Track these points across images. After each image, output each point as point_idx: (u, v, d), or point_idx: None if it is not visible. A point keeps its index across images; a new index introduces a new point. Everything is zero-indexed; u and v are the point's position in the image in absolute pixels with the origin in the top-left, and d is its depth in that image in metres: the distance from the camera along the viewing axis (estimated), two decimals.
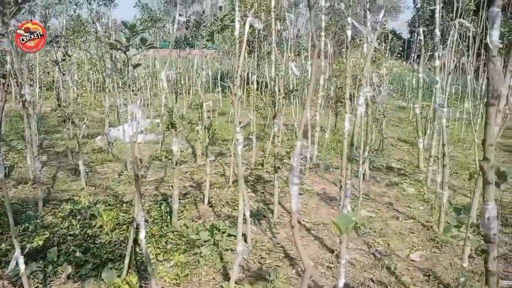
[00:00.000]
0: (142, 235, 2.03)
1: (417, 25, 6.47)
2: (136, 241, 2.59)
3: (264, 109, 8.89)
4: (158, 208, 3.83)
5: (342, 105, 7.72)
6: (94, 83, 11.86)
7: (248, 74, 10.47)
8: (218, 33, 2.95)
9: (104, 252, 3.01)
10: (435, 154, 4.85)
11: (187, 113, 9.22)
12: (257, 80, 9.13)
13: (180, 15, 2.86)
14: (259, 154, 6.15)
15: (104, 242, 3.13)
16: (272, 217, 3.83)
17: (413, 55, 11.11)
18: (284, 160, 5.88)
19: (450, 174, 5.28)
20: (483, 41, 8.75)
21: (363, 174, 4.87)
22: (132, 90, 4.12)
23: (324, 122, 7.73)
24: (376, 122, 6.01)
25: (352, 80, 9.09)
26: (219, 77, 10.83)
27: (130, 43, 1.92)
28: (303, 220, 3.86)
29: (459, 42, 6.52)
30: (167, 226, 3.47)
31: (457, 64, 10.34)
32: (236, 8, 2.46)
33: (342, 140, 6.57)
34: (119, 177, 4.86)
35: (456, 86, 9.96)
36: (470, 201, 2.33)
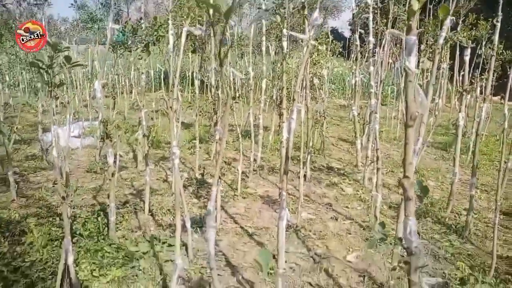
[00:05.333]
0: (70, 260, 1.95)
1: (355, 30, 6.69)
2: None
3: (208, 112, 8.85)
4: (95, 220, 3.68)
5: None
6: (28, 83, 11.18)
7: (192, 74, 10.35)
8: (154, 45, 2.88)
9: (35, 270, 2.85)
10: (371, 155, 5.07)
11: (129, 113, 8.95)
12: (201, 80, 9.05)
13: (115, 22, 2.75)
14: (203, 157, 6.10)
15: (35, 260, 2.97)
16: (215, 224, 3.82)
17: (352, 55, 11.51)
18: (231, 164, 5.90)
19: (386, 173, 5.54)
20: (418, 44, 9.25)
21: (304, 175, 4.99)
22: (62, 103, 3.92)
23: (268, 123, 7.83)
24: (317, 124, 6.17)
25: (295, 80, 9.27)
26: (162, 77, 10.61)
27: (53, 61, 1.82)
28: (246, 225, 3.89)
29: (392, 49, 6.86)
30: (103, 239, 3.35)
31: (393, 64, 10.86)
32: (170, 22, 2.41)
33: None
34: (53, 186, 4.62)
35: (392, 87, 10.47)
36: (397, 213, 2.46)
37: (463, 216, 4.10)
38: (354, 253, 3.36)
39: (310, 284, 2.92)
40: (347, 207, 4.37)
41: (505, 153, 3.35)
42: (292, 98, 9.22)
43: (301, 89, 3.82)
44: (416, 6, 1.31)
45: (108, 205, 3.60)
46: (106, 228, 3.49)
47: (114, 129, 3.16)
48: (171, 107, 2.38)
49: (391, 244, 2.41)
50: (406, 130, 1.64)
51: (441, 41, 2.48)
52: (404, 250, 1.71)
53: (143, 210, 4.04)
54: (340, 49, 12.73)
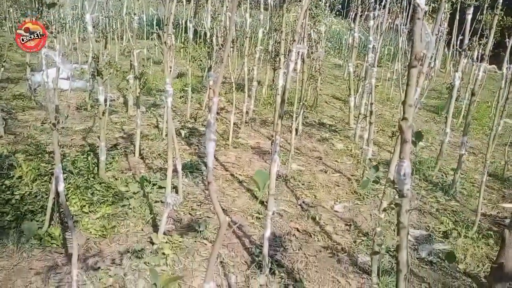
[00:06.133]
0: (60, 187, 1.93)
1: None
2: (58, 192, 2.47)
3: (201, 60, 8.66)
4: (85, 159, 3.66)
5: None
6: (15, 22, 10.74)
7: (186, 22, 10.04)
8: None
9: (24, 204, 2.85)
10: (364, 112, 5.06)
11: (119, 59, 8.73)
12: (195, 29, 8.79)
13: None
14: (195, 107, 6.04)
15: (24, 193, 2.96)
16: (206, 170, 3.83)
17: (351, 13, 11.25)
18: (222, 114, 5.86)
19: (377, 132, 5.57)
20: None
21: (296, 129, 4.99)
22: (51, 32, 3.77)
23: (262, 77, 7.73)
24: (312, 79, 6.10)
25: (292, 34, 9.08)
26: (155, 24, 10.28)
27: None
28: (236, 173, 3.91)
29: (394, 3, 6.70)
30: (93, 177, 3.34)
31: (392, 25, 10.66)
32: None
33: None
34: (42, 125, 4.55)
35: (389, 47, 10.33)
36: (390, 157, 2.47)
37: (450, 176, 4.17)
38: (341, 203, 3.42)
39: (297, 230, 2.98)
40: (336, 161, 4.41)
41: (497, 118, 3.38)
42: (288, 52, 9.07)
43: (302, 31, 3.72)
44: None
45: (98, 146, 3.58)
46: (96, 168, 3.48)
47: (105, 67, 3.07)
48: (165, 42, 2.30)
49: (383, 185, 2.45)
50: (409, 71, 1.61)
51: None
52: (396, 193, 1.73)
53: (134, 153, 4.02)
54: (339, 6, 12.41)
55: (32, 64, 5.84)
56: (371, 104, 3.78)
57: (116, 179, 3.44)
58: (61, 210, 2.72)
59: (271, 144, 3.12)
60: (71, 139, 4.33)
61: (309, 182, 3.78)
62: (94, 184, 3.24)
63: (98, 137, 4.12)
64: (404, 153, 1.67)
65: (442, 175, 4.23)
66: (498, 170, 4.44)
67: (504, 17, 6.14)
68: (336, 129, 5.56)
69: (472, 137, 5.82)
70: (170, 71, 2.55)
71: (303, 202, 3.40)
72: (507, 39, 5.34)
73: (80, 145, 4.16)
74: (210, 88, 3.97)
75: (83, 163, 3.59)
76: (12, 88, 6.02)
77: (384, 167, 4.31)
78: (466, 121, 3.63)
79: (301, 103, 5.05)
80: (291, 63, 2.33)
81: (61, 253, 2.48)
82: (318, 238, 2.88)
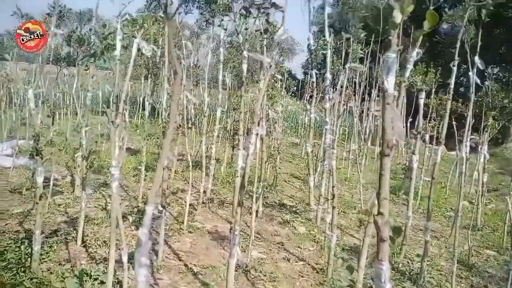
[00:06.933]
0: None
1: (310, 68, 6.76)
2: None
3: (157, 138, 8.46)
4: (17, 249, 3.19)
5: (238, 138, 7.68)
6: None
7: (144, 99, 9.98)
8: (102, 54, 2.61)
9: None
10: (325, 194, 4.95)
11: (71, 135, 8.36)
12: (153, 107, 8.71)
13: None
14: (148, 186, 5.70)
15: None
16: (156, 260, 3.44)
17: (306, 95, 11.71)
18: (177, 195, 5.55)
19: (338, 213, 5.42)
20: (367, 87, 9.57)
21: (256, 211, 4.76)
22: None
23: (221, 155, 7.59)
24: (271, 158, 6.02)
25: (250, 114, 9.19)
26: (111, 100, 10.16)
27: None
28: (191, 263, 3.55)
29: (347, 86, 6.98)
30: (24, 272, 2.88)
31: (345, 106, 11.12)
32: (118, 26, 2.18)
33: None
34: None
35: (343, 128, 10.67)
36: (360, 249, 2.28)
37: (416, 262, 4.01)
38: None
39: None
40: (299, 247, 4.16)
41: (458, 200, 3.34)
42: (246, 131, 9.11)
43: (261, 112, 3.66)
44: (398, 18, 1.17)
45: (34, 233, 3.15)
46: (29, 259, 3.02)
47: (46, 145, 2.78)
48: (112, 121, 2.10)
49: None
50: (382, 159, 1.47)
51: (407, 74, 2.41)
52: None
53: (76, 240, 3.59)
54: (294, 88, 12.96)
55: None
56: (333, 187, 3.65)
57: (51, 273, 2.99)
58: None
59: (230, 230, 2.86)
60: (6, 224, 3.85)
61: (271, 273, 3.47)
62: (24, 280, 2.77)
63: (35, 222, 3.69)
64: (382, 253, 1.47)
65: (408, 262, 4.06)
66: (463, 256, 4.33)
67: (454, 102, 6.53)
68: (297, 211, 5.37)
69: (432, 219, 5.79)
70: (119, 151, 2.32)
71: None
72: (453, 122, 5.60)
73: (15, 231, 3.68)
74: (164, 168, 3.72)
75: (13, 254, 3.12)
76: None
77: (348, 254, 4.10)
78: (428, 206, 3.55)
79: (261, 183, 4.88)
80: (251, 146, 2.17)
81: None
82: None
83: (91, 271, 3.04)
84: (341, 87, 5.45)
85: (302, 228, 4.72)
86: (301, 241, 4.31)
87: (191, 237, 4.12)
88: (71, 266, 3.14)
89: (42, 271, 2.97)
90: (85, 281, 2.91)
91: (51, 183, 4.40)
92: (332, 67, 6.34)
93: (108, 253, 3.48)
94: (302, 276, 3.48)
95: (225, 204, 5.34)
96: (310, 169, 5.68)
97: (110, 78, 9.85)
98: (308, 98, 10.70)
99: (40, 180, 2.83)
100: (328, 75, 4.48)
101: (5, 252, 3.12)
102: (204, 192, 5.29)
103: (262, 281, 3.32)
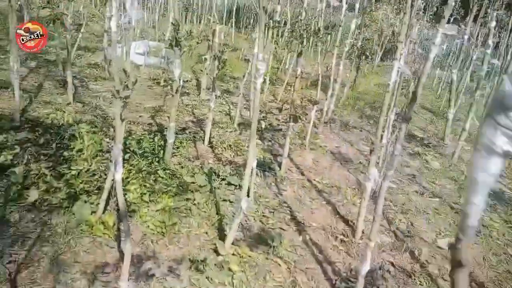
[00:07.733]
0: (117, 176, 1.51)
1: None
2: None
3: (276, 51, 8.13)
4: (151, 140, 3.29)
5: (366, 59, 7.03)
6: None
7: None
8: None
9: (80, 181, 2.50)
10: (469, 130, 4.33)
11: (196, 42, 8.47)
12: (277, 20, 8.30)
13: None
14: (269, 99, 5.56)
15: (81, 169, 2.62)
16: (280, 171, 3.32)
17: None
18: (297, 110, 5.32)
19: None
20: None
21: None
22: None
23: (343, 76, 7.08)
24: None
25: (378, 36, 8.32)
26: (234, 10, 9.97)
27: None
28: (314, 180, 3.37)
29: None
30: (158, 162, 2.95)
31: None
32: None
33: (360, 98, 5.97)
34: (112, 97, 4.27)
35: None
36: None
37: None
38: (446, 238, 2.77)
39: (392, 264, 2.39)
40: (433, 182, 3.72)
41: None
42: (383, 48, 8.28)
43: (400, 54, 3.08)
44: None
45: (166, 128, 3.20)
46: (162, 151, 3.09)
47: (185, 37, 2.65)
48: (263, 6, 1.81)
49: None
50: None
51: None
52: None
53: (203, 140, 3.61)
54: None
55: (110, 34, 5.66)
56: None
57: (182, 167, 3.03)
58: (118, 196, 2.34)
59: (370, 150, 2.55)
60: (139, 116, 4.01)
61: (403, 204, 3.15)
62: (158, 169, 2.84)
63: (168, 117, 3.77)
64: None
65: None
66: None
67: None
68: (429, 144, 4.82)
69: None
70: (266, 42, 2.07)
71: (397, 228, 2.79)
72: None
73: (148, 124, 3.82)
74: (296, 77, 3.43)
75: (148, 144, 3.22)
76: (88, 57, 5.89)
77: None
78: None
79: (395, 108, 4.38)
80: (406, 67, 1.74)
81: (113, 248, 2.09)
82: (420, 281, 2.27)
83: (218, 170, 3.03)
84: None
85: (435, 163, 4.22)
86: (435, 176, 3.85)
87: (313, 154, 3.92)
88: (200, 164, 3.15)
89: (173, 164, 3.02)
90: (213, 179, 2.90)
91: (181, 82, 4.44)
92: None
93: (233, 156, 3.47)
94: (439, 214, 3.09)
95: (347, 126, 5.00)
96: (451, 100, 4.96)
97: None
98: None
99: (177, 72, 2.75)
100: None
101: (141, 141, 3.23)
102: (326, 112, 4.97)
103: (393, 211, 3.02)
